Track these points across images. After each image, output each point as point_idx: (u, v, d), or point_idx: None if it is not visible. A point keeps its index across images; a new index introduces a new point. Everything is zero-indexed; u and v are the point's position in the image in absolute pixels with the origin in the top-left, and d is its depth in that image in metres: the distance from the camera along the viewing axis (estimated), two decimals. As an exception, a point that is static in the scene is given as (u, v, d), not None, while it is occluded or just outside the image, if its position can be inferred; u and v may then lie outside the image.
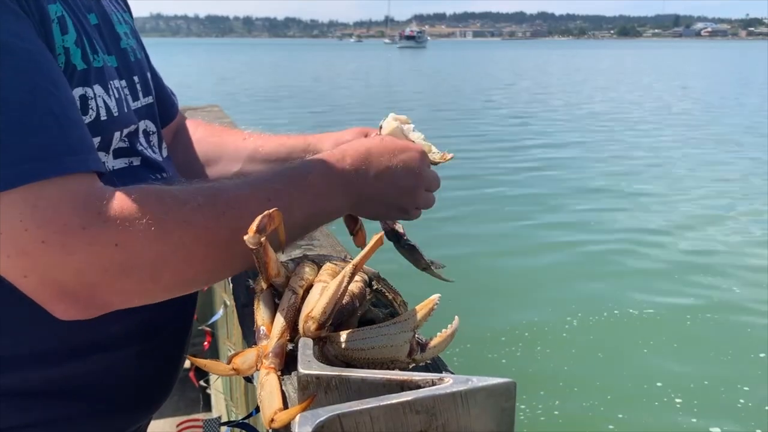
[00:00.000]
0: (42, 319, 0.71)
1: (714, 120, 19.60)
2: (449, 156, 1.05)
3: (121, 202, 0.70)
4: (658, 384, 4.82)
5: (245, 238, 0.69)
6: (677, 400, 4.63)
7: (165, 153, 1.08)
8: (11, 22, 0.70)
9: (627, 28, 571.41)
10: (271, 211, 0.69)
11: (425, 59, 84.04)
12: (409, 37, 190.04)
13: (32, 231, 0.65)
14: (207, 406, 3.40)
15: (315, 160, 0.90)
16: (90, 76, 0.83)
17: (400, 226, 1.07)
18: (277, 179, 0.85)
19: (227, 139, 1.25)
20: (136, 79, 1.00)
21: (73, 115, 0.73)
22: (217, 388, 2.99)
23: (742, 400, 4.61)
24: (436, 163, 1.05)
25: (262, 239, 0.70)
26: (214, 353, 3.33)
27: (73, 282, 0.68)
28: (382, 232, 0.74)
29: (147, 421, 1.11)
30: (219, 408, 2.96)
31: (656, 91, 30.27)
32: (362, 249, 0.71)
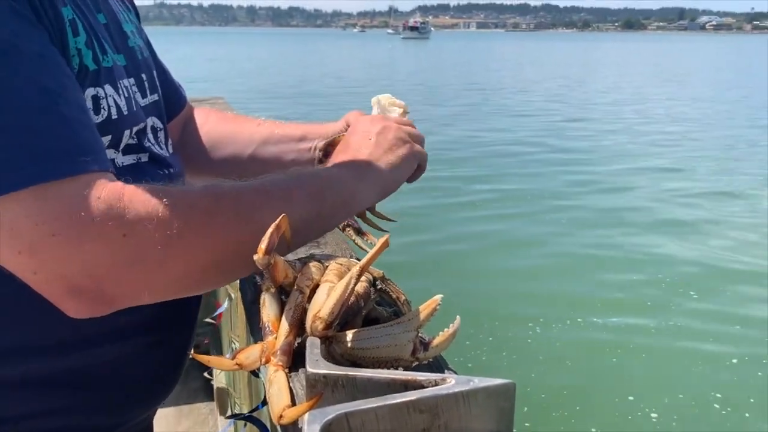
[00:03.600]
0: (51, 310, 0.73)
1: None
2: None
3: (130, 196, 0.72)
4: (662, 392, 4.82)
5: (255, 258, 0.71)
6: (681, 410, 4.63)
7: (171, 149, 1.10)
8: (21, 26, 0.72)
9: (632, 21, 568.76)
10: (278, 221, 0.71)
11: (428, 50, 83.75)
12: (413, 28, 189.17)
13: (41, 226, 0.68)
14: (209, 397, 3.43)
15: (325, 167, 0.98)
16: (100, 77, 0.86)
17: None
18: (292, 178, 0.90)
19: (242, 124, 1.29)
20: (143, 76, 1.03)
21: (82, 118, 0.75)
22: (219, 380, 3.02)
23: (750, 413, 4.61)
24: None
25: (272, 260, 0.72)
26: (216, 344, 3.36)
27: (81, 276, 0.70)
28: (388, 235, 0.76)
29: (154, 411, 1.14)
30: (221, 398, 3.00)
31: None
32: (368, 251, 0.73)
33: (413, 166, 1.06)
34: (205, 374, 3.16)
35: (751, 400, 4.68)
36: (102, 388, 0.94)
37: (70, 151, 0.71)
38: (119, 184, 0.74)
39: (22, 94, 0.69)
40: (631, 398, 4.73)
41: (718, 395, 4.72)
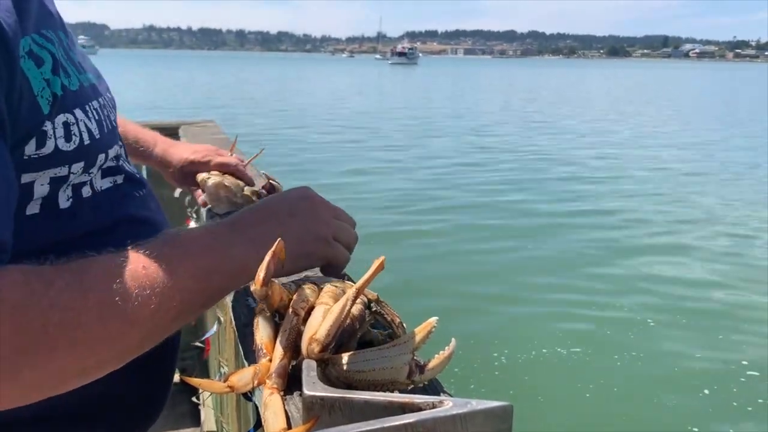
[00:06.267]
0: None
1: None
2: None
3: None
4: (655, 410, 4.83)
5: (252, 289, 0.70)
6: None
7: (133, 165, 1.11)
8: None
9: (616, 48, 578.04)
10: (274, 247, 0.71)
11: (416, 75, 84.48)
12: (401, 54, 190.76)
13: None
14: (196, 422, 3.38)
15: (194, 230, 0.87)
16: (68, 101, 0.83)
17: None
18: (152, 243, 0.77)
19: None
20: (109, 95, 1.03)
21: None
22: (208, 403, 2.98)
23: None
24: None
25: (270, 291, 0.72)
26: (203, 367, 3.33)
27: None
28: (383, 257, 0.76)
29: None
30: (209, 423, 2.96)
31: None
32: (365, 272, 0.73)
33: (327, 238, 0.94)
34: (193, 399, 3.12)
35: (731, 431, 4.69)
36: (83, 418, 0.92)
37: None
38: None
39: None
40: (626, 420, 4.72)
41: (695, 429, 4.73)
